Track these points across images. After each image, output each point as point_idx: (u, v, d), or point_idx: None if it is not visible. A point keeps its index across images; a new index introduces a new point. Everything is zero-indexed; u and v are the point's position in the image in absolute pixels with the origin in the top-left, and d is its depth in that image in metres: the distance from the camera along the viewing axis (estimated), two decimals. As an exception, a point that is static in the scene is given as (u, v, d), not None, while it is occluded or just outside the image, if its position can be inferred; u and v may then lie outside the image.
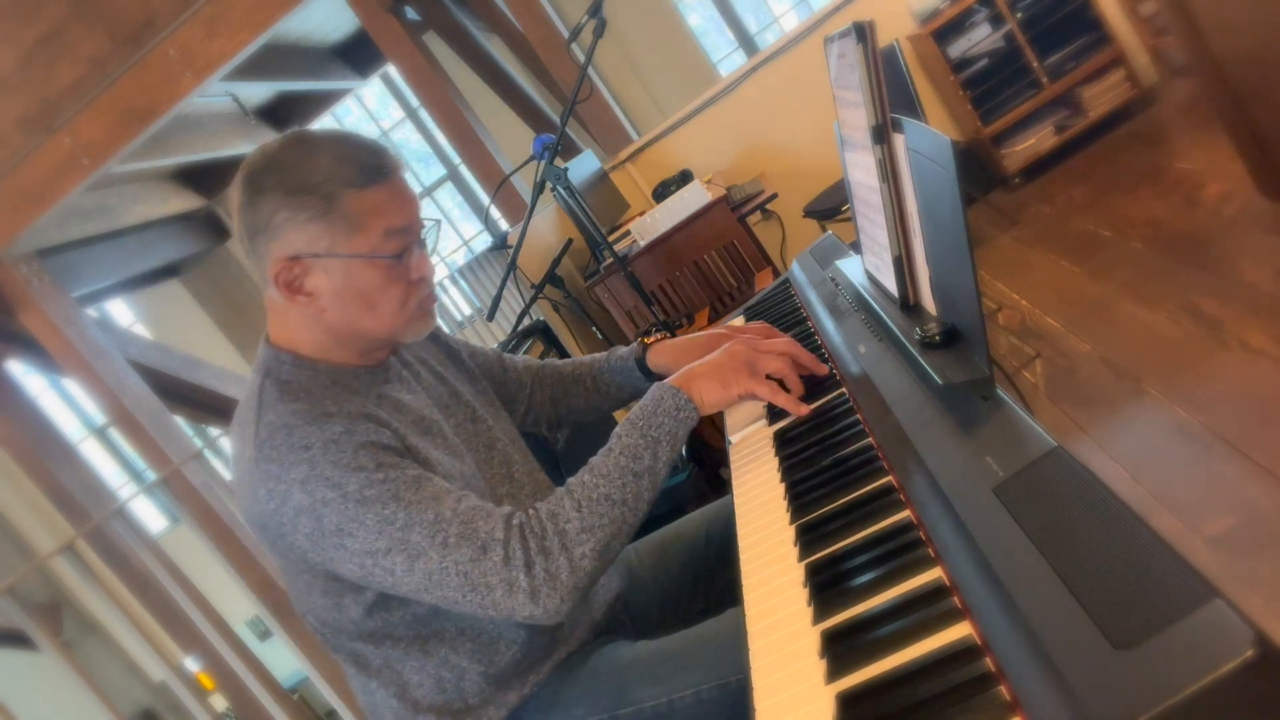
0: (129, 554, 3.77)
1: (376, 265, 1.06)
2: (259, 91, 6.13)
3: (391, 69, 7.16)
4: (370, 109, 8.17)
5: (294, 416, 1.01)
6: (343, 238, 1.04)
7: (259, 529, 1.05)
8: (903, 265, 1.06)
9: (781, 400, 1.15)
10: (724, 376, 1.13)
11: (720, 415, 1.34)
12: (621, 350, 1.45)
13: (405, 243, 1.07)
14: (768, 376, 1.16)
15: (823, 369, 1.20)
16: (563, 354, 2.71)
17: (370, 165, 1.05)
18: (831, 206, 3.24)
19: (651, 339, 1.43)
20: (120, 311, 8.25)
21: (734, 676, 0.99)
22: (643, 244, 2.85)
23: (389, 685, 1.10)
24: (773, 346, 1.18)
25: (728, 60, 7.41)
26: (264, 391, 1.06)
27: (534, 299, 2.63)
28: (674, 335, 2.21)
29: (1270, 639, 0.45)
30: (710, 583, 1.33)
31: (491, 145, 4.09)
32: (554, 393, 1.45)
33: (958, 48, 3.64)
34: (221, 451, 8.35)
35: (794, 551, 0.87)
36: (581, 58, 2.54)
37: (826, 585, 0.79)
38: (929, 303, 1.02)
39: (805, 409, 1.14)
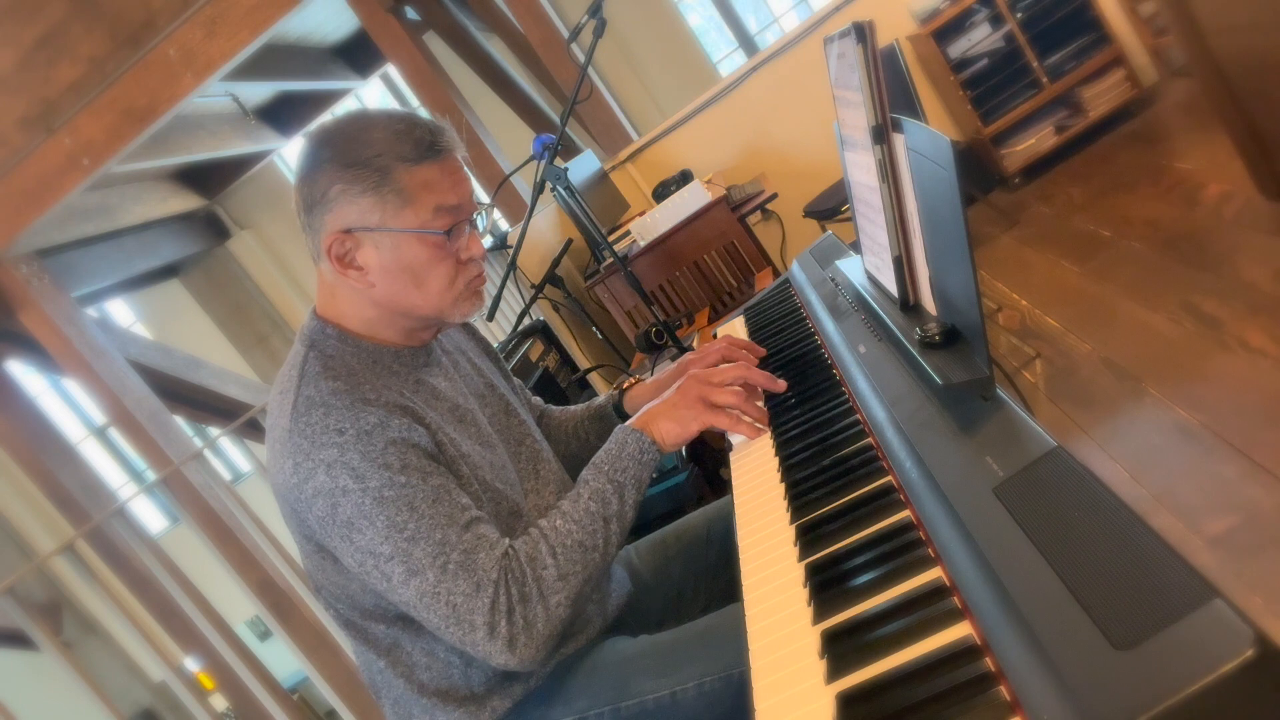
0: (129, 554, 3.76)
1: (426, 241, 1.07)
2: (259, 91, 6.13)
3: (391, 69, 7.16)
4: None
5: (333, 396, 1.02)
6: (393, 212, 1.05)
7: (280, 499, 1.07)
8: (903, 265, 1.06)
9: (742, 429, 1.18)
10: (680, 415, 1.15)
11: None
12: (600, 399, 1.48)
13: (455, 220, 1.09)
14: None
15: (779, 385, 1.22)
16: (563, 354, 2.71)
17: (425, 142, 1.06)
18: (831, 206, 3.24)
19: (628, 384, 1.46)
20: (120, 311, 8.25)
21: (736, 669, 0.99)
22: (643, 244, 2.85)
23: (396, 665, 1.11)
24: (724, 377, 1.19)
25: (728, 60, 7.41)
26: (307, 363, 1.07)
27: (534, 299, 2.62)
28: (674, 335, 2.21)
29: (1270, 639, 0.45)
30: (711, 583, 1.34)
31: (491, 145, 4.09)
32: (544, 434, 1.46)
33: (958, 48, 3.64)
34: (221, 452, 8.35)
35: (794, 551, 0.87)
36: (581, 58, 2.54)
37: (826, 585, 0.79)
38: (929, 303, 1.02)
39: (761, 433, 1.17)
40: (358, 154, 1.04)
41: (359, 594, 1.08)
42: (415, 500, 0.99)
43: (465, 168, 1.12)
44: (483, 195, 4.45)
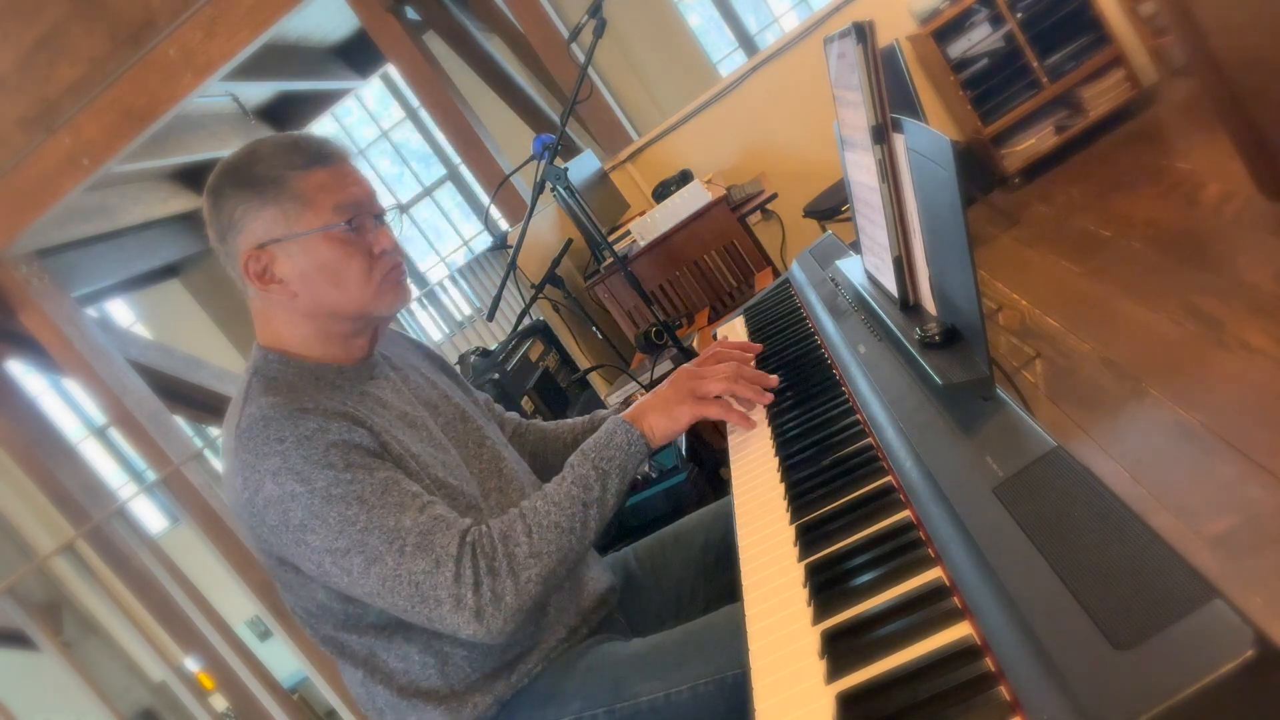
0: (129, 554, 3.77)
1: (333, 239, 1.10)
2: (259, 91, 6.13)
3: (391, 69, 7.16)
4: (370, 109, 8.16)
5: (272, 409, 1.04)
6: (295, 218, 1.09)
7: (238, 518, 1.09)
8: (902, 265, 1.06)
9: (733, 417, 1.19)
10: (669, 409, 1.17)
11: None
12: (603, 412, 1.50)
13: (356, 214, 1.12)
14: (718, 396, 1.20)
15: (770, 381, 1.23)
16: (563, 354, 2.71)
17: (313, 150, 1.11)
18: (831, 206, 3.24)
19: (635, 397, 1.47)
20: (120, 311, 8.23)
21: (731, 671, 0.99)
22: (643, 244, 2.85)
23: (375, 673, 1.13)
24: (715, 372, 1.21)
25: (728, 60, 7.40)
26: (250, 386, 1.10)
27: (534, 299, 2.62)
28: (674, 335, 2.21)
29: (1270, 639, 0.45)
30: (710, 584, 1.33)
31: (491, 145, 4.09)
32: (534, 448, 1.47)
33: (958, 48, 3.64)
34: (221, 452, 8.34)
35: (794, 551, 0.87)
36: (581, 58, 2.54)
37: (826, 585, 0.79)
38: (929, 303, 1.02)
39: (753, 424, 1.18)
40: (251, 172, 1.09)
41: (329, 604, 1.09)
42: (364, 494, 1.01)
43: (360, 173, 1.16)
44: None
